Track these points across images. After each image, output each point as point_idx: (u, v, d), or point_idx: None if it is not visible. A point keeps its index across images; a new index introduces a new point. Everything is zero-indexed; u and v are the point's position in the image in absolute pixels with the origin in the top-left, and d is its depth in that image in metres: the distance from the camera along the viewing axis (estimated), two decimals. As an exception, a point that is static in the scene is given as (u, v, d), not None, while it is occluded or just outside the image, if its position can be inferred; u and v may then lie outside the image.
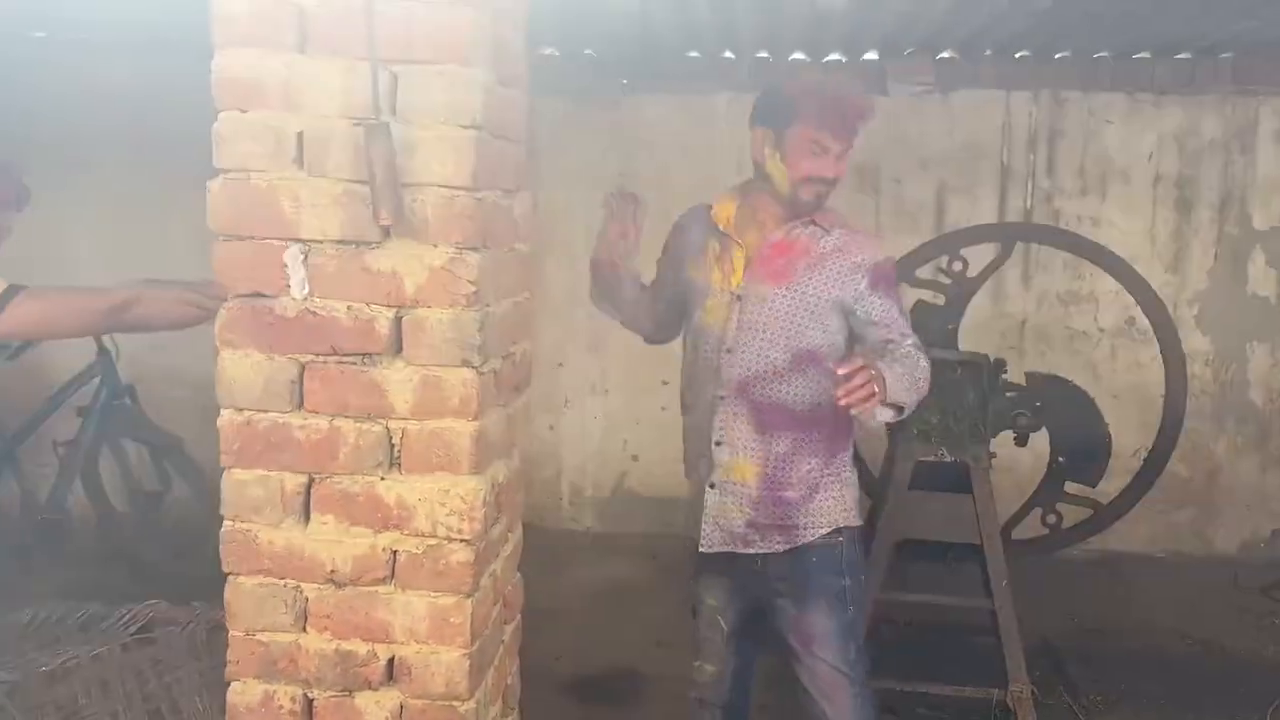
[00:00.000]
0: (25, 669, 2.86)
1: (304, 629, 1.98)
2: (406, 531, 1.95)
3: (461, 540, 1.94)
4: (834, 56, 5.15)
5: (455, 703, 1.97)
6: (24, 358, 4.51)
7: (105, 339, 4.62)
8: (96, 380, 4.63)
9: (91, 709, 2.80)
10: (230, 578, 2.00)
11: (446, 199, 1.87)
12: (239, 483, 1.98)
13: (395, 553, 1.96)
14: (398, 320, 1.90)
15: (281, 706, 2.01)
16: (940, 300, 3.89)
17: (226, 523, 2.00)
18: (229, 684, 2.03)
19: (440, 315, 1.89)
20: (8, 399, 4.62)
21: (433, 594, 1.96)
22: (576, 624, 4.23)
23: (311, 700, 2.00)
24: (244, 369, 1.95)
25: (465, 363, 1.91)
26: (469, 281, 1.88)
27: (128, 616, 3.11)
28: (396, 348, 1.91)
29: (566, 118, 5.25)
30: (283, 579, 1.97)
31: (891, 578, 3.58)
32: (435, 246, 1.88)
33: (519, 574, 2.37)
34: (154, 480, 4.81)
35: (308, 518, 1.96)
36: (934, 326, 3.71)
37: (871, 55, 5.11)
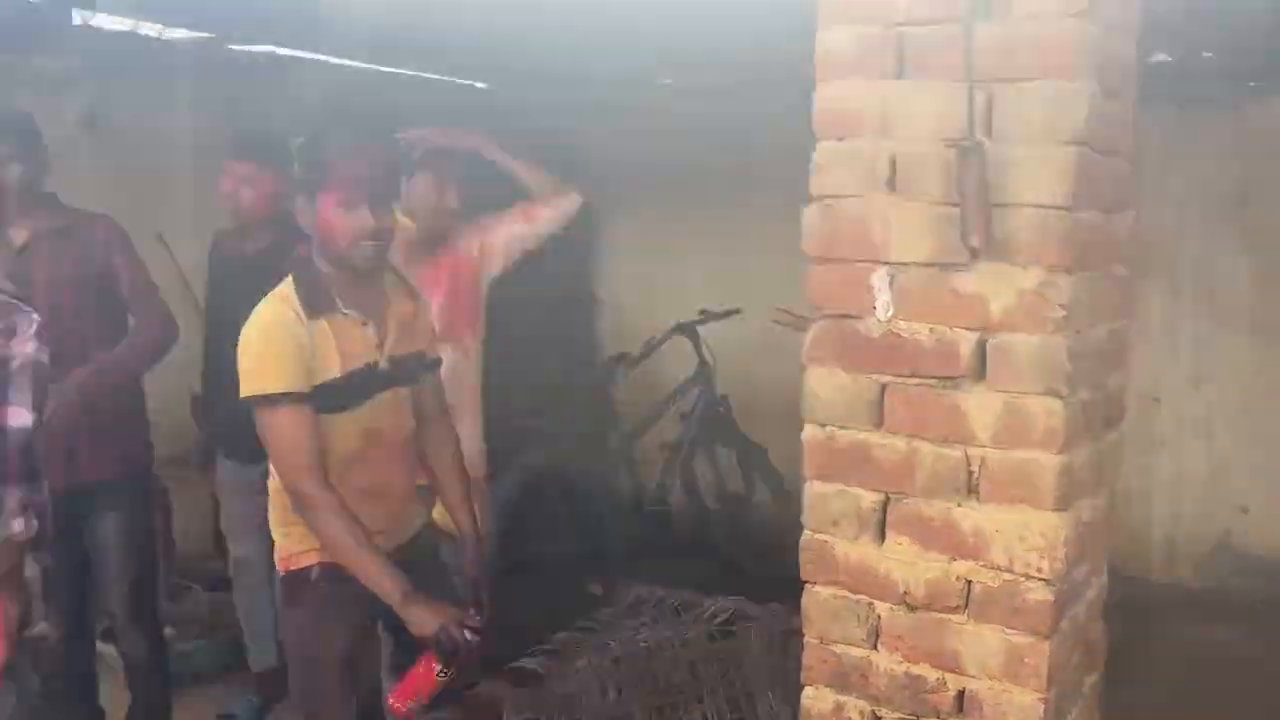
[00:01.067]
0: (628, 643, 3.23)
1: (875, 646, 2.01)
2: (982, 562, 1.90)
3: (1041, 579, 1.84)
4: None
5: (1028, 749, 1.88)
6: (641, 367, 5.14)
7: (705, 351, 5.09)
8: (697, 390, 5.12)
9: (682, 688, 3.09)
10: (807, 586, 2.08)
11: (1040, 219, 1.79)
12: (819, 495, 2.06)
13: (969, 583, 1.91)
14: (981, 344, 1.86)
15: (851, 719, 2.05)
16: None
17: (806, 532, 2.09)
18: (802, 688, 2.12)
19: (1027, 341, 1.81)
20: (629, 403, 5.27)
21: (1007, 630, 1.88)
22: (1167, 689, 3.83)
23: (880, 718, 2.02)
24: (829, 386, 2.03)
25: (1052, 392, 1.81)
26: (1060, 306, 1.78)
27: (714, 608, 3.38)
28: (979, 372, 1.87)
29: (1175, 128, 4.80)
30: (856, 594, 2.02)
31: None
32: (1025, 269, 1.80)
33: (1103, 623, 2.20)
34: (740, 483, 5.21)
35: (883, 536, 1.99)
36: None
37: None
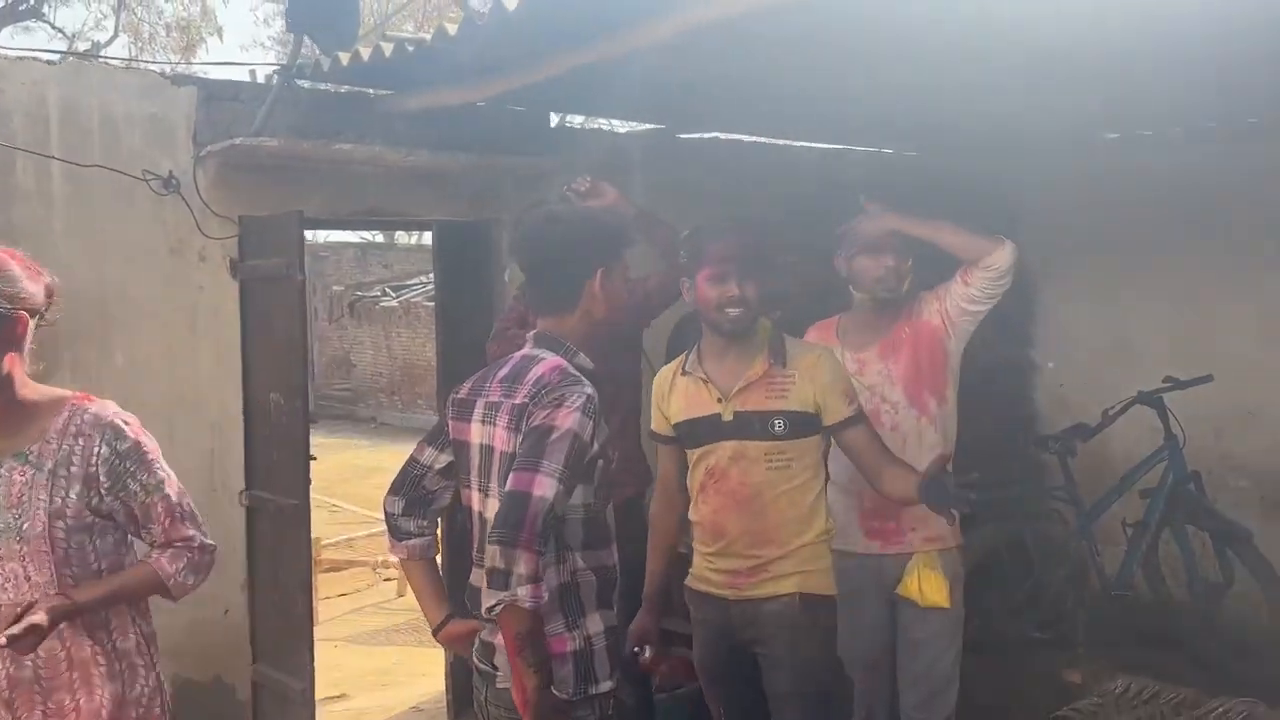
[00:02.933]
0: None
1: None
2: None
3: None
4: None
5: None
6: (1095, 440, 4.82)
7: (1173, 424, 4.69)
8: (1164, 464, 4.71)
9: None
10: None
11: None
12: None
13: None
14: None
15: None
16: None
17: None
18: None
19: None
20: (1084, 477, 4.95)
21: None
22: None
23: None
24: None
25: None
26: None
27: (1223, 708, 3.04)
28: None
29: None
30: None
31: None
32: None
33: None
34: (1216, 570, 4.70)
35: None
36: None
37: None
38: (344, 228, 5.41)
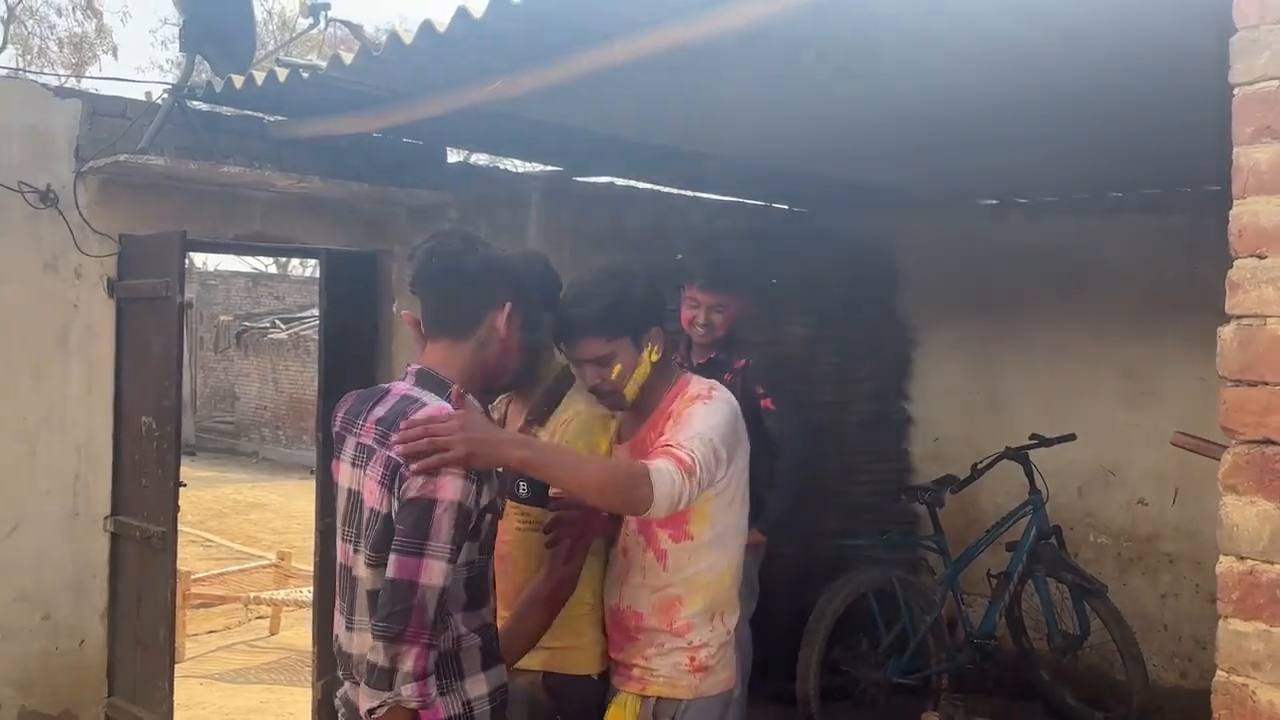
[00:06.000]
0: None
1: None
2: None
3: None
4: None
5: None
6: (964, 492, 4.99)
7: (1038, 480, 4.89)
8: (1027, 518, 4.90)
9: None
10: (1219, 733, 1.93)
11: None
12: (1236, 634, 1.91)
13: None
14: None
15: None
16: None
17: (1220, 674, 1.94)
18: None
19: None
20: (952, 528, 5.11)
21: None
22: None
23: None
24: (1248, 516, 1.90)
25: None
26: None
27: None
28: None
29: None
30: (1285, 747, 1.84)
31: None
32: None
33: None
34: (1073, 622, 4.88)
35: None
36: None
37: None
38: (228, 251, 5.30)
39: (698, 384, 2.51)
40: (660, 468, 2.19)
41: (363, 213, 4.54)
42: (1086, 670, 5.06)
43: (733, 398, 2.49)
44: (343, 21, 4.85)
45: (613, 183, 5.56)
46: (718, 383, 2.53)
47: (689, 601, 2.44)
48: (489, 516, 2.12)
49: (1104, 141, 4.02)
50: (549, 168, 5.47)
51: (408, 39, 3.12)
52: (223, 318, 20.12)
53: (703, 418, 2.37)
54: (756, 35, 2.75)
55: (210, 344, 20.00)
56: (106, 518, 4.04)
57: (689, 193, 5.87)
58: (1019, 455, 4.91)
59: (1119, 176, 5.01)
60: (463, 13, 2.86)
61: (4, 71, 12.97)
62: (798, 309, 5.58)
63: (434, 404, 2.08)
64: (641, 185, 5.73)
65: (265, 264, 24.16)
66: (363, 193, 4.37)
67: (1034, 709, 5.05)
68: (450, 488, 1.97)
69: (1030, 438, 4.93)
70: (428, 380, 2.17)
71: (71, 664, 4.00)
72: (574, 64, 2.99)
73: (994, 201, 5.83)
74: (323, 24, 4.53)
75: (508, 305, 2.21)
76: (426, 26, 3.02)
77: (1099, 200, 5.43)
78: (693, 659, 2.43)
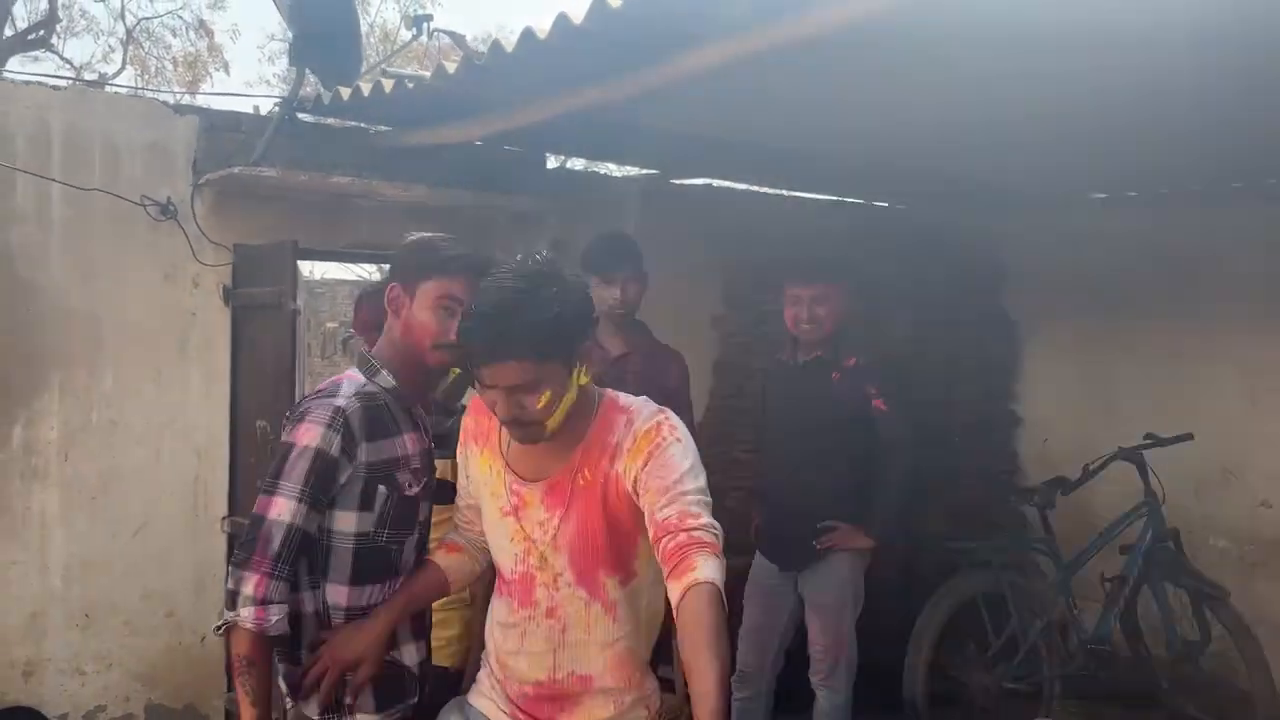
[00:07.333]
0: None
1: None
2: None
3: None
4: None
5: None
6: (1076, 494, 4.84)
7: (1153, 482, 4.72)
8: (1143, 521, 4.73)
9: None
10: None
11: None
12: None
13: None
14: None
15: None
16: None
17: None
18: None
19: None
20: (1064, 530, 4.96)
21: None
22: None
23: None
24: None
25: None
26: None
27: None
28: None
29: None
30: None
31: None
32: None
33: None
34: (1194, 629, 4.70)
35: None
36: None
37: None
38: (336, 259, 5.45)
39: (638, 408, 2.14)
40: (714, 575, 1.87)
41: (465, 219, 4.61)
42: (1207, 679, 4.86)
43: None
44: (445, 31, 4.94)
45: (710, 184, 5.54)
46: (648, 399, 2.18)
47: (641, 650, 2.22)
48: (381, 489, 2.16)
49: (1219, 130, 3.86)
50: (646, 171, 5.48)
51: (509, 47, 3.16)
52: (329, 324, 20.60)
53: (686, 460, 2.03)
54: (858, 31, 2.71)
55: (317, 350, 20.50)
56: (224, 518, 4.18)
57: (786, 192, 5.82)
58: (1133, 456, 4.74)
59: (1238, 166, 4.81)
60: (563, 19, 2.89)
61: (126, 91, 13.54)
62: (901, 308, 5.50)
63: (346, 375, 2.24)
64: (738, 186, 5.71)
65: (369, 271, 24.67)
66: (465, 200, 4.44)
67: (1153, 718, 4.88)
68: (309, 434, 2.10)
69: (1145, 438, 4.76)
70: (360, 359, 2.31)
71: (194, 659, 4.15)
72: (675, 67, 2.99)
73: (1103, 195, 5.65)
74: (425, 35, 4.62)
75: (390, 285, 2.29)
76: (528, 34, 3.05)
77: (1216, 191, 5.23)
78: (648, 708, 2.23)
